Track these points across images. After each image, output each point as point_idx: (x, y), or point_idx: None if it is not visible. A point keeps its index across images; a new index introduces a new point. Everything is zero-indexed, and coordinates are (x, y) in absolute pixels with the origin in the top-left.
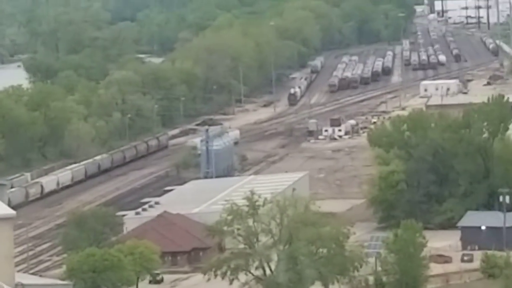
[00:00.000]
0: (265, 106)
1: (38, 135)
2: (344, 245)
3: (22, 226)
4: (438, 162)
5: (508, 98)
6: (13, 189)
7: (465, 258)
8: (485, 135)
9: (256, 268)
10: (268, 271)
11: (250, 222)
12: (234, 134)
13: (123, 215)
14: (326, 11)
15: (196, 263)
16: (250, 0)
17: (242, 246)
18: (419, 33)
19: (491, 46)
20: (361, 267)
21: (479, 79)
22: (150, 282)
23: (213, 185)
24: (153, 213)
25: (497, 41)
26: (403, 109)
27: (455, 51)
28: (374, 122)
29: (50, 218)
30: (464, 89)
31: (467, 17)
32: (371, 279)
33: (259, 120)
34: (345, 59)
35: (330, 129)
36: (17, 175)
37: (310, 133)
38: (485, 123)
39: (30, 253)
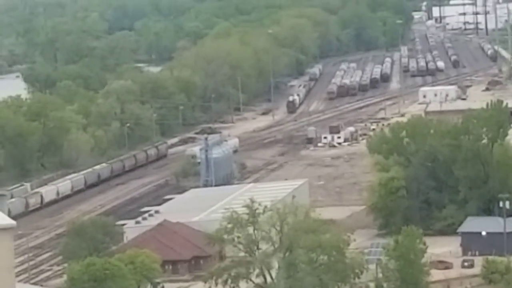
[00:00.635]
0: (263, 114)
1: (37, 145)
2: (344, 252)
3: (22, 236)
4: (437, 168)
5: (507, 103)
6: (13, 199)
7: (466, 264)
8: (484, 141)
9: (257, 276)
10: (269, 279)
11: (250, 230)
12: (233, 142)
13: (123, 224)
14: (324, 18)
15: (196, 271)
16: (248, 9)
17: (242, 254)
18: (417, 39)
19: (489, 52)
20: (362, 274)
21: (477, 85)
22: None
23: (213, 193)
24: (153, 222)
25: (496, 47)
26: (402, 115)
27: (453, 57)
28: (373, 129)
29: (50, 228)
30: (463, 95)
31: (465, 23)
32: (372, 286)
33: (258, 128)
34: (344, 66)
35: (329, 136)
36: (16, 185)
37: (309, 141)
38: (484, 129)
39: (31, 263)
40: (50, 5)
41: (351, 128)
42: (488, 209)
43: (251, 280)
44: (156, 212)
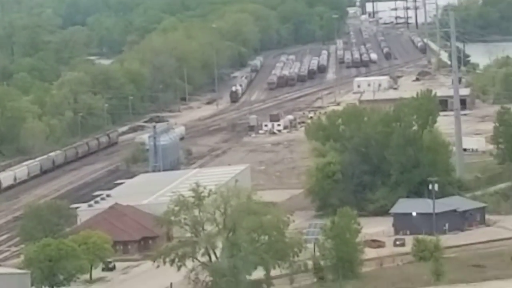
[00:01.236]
0: (208, 103)
1: None
2: (284, 232)
3: None
4: (371, 154)
5: (435, 93)
6: None
7: (397, 242)
8: (415, 127)
9: (202, 255)
10: (213, 258)
11: (196, 212)
12: (180, 130)
13: (77, 208)
14: (264, 13)
15: (146, 251)
16: (193, 5)
17: (188, 234)
18: (351, 33)
19: (419, 45)
20: (300, 252)
21: (408, 75)
22: (103, 269)
23: (161, 178)
24: (104, 205)
25: (425, 40)
26: (338, 104)
27: (385, 50)
28: (311, 117)
29: (8, 212)
30: (395, 85)
31: (396, 17)
32: (310, 263)
33: (203, 116)
34: (283, 58)
35: (269, 124)
36: None
37: (251, 128)
38: (414, 117)
39: None
40: (7, 2)
41: (290, 116)
42: (418, 192)
43: (196, 259)
44: (108, 196)
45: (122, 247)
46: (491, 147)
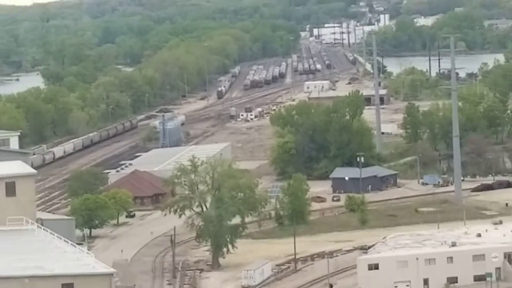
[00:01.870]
0: (201, 99)
1: (50, 120)
2: (254, 191)
3: (40, 180)
4: (316, 136)
5: (362, 92)
6: (34, 156)
7: (335, 198)
8: (347, 117)
9: (197, 206)
10: (204, 209)
11: (192, 176)
12: (181, 118)
13: (108, 172)
14: (241, 35)
15: (156, 204)
16: (191, 29)
17: (187, 192)
18: (303, 50)
19: (350, 58)
20: (266, 205)
21: (343, 80)
22: (126, 216)
23: (168, 152)
24: (127, 171)
25: (354, 55)
26: (293, 100)
27: (327, 62)
28: (274, 109)
29: (59, 175)
30: (333, 87)
31: (334, 39)
32: (272, 213)
33: (197, 109)
34: (254, 67)
35: (245, 114)
36: (37, 146)
37: (232, 117)
38: (347, 109)
39: (46, 198)
40: (59, 26)
41: (259, 109)
42: (349, 163)
43: (192, 209)
44: (130, 164)
45: (140, 201)
46: (401, 131)
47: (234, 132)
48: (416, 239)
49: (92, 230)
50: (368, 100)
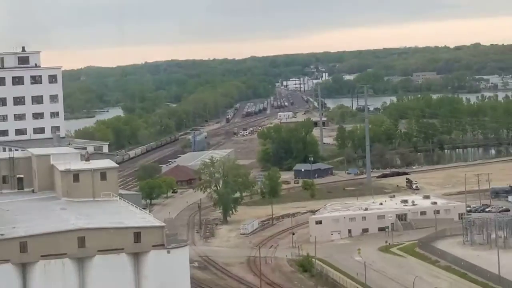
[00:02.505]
0: (216, 123)
1: (126, 135)
2: (248, 177)
3: (120, 171)
4: (284, 145)
5: (311, 118)
6: (117, 157)
7: (295, 182)
8: (303, 133)
9: (213, 186)
10: (218, 188)
11: (211, 168)
12: (204, 134)
13: (161, 166)
14: (240, 85)
15: (190, 185)
16: (210, 81)
17: (208, 178)
18: (277, 94)
19: (305, 99)
20: (254, 186)
21: (300, 112)
22: (171, 192)
23: (196, 154)
24: (172, 165)
25: (307, 97)
26: (271, 123)
27: (291, 101)
28: (259, 129)
29: (132, 168)
30: (295, 116)
31: (295, 87)
32: (258, 190)
33: (213, 128)
34: (248, 104)
35: (242, 132)
36: (118, 151)
37: (235, 134)
38: (303, 129)
39: (124, 181)
40: (132, 79)
41: (251, 128)
42: (304, 161)
43: (211, 188)
44: (174, 161)
45: (180, 183)
46: (335, 142)
47: (236, 142)
48: (343, 206)
49: (151, 200)
50: (315, 124)
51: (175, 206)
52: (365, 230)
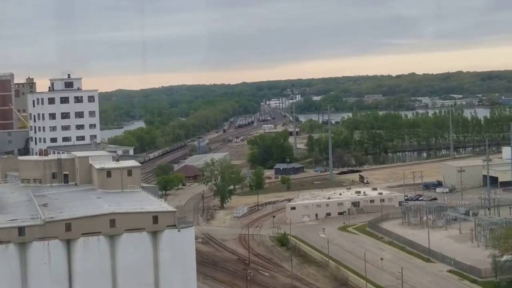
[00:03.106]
0: (216, 132)
1: (148, 141)
2: (239, 173)
3: (143, 169)
4: (267, 149)
5: (287, 129)
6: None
7: (276, 178)
8: (281, 140)
9: (213, 181)
10: (217, 182)
11: (212, 167)
12: (206, 141)
13: (173, 165)
14: (234, 104)
15: (196, 179)
16: (212, 101)
17: (209, 174)
18: (262, 110)
19: (283, 114)
20: (245, 180)
21: (280, 124)
22: (182, 185)
23: (200, 156)
24: (182, 165)
25: (285, 113)
26: (257, 133)
27: (272, 116)
28: (249, 137)
29: (152, 167)
30: (275, 127)
31: (276, 105)
32: (248, 184)
33: (214, 137)
34: (241, 118)
35: (236, 139)
36: (141, 153)
37: (230, 141)
38: (281, 137)
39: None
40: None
41: (242, 137)
42: (282, 161)
43: (211, 182)
44: (183, 161)
45: (188, 178)
46: (306, 147)
47: (231, 147)
48: (312, 195)
49: (166, 191)
50: (290, 133)
51: (184, 195)
52: (328, 214)
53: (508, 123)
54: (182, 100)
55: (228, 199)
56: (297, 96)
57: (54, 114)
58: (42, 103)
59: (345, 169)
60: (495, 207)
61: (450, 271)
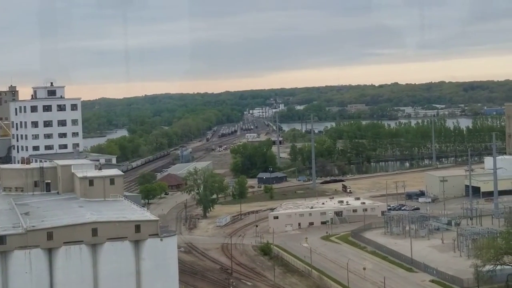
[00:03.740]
0: (199, 141)
1: (130, 150)
2: (223, 182)
3: (125, 178)
4: (250, 158)
5: (270, 138)
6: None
7: (259, 187)
8: (265, 149)
9: (196, 190)
10: (200, 191)
11: (195, 176)
12: (189, 149)
13: (156, 174)
14: (217, 113)
15: (178, 188)
16: (195, 109)
17: (192, 183)
18: (245, 120)
19: (266, 123)
20: (228, 189)
21: (263, 133)
22: (164, 194)
23: (183, 165)
24: (165, 174)
25: (268, 122)
26: (241, 142)
27: (256, 125)
28: (232, 146)
29: (133, 176)
30: (258, 136)
31: (259, 114)
32: (230, 193)
33: (197, 145)
34: (224, 127)
35: (219, 148)
36: (123, 162)
37: (213, 150)
38: (265, 146)
39: (128, 186)
40: (135, 108)
41: (225, 146)
42: (265, 170)
43: (194, 191)
44: (166, 170)
45: (170, 187)
46: (289, 156)
47: (214, 156)
48: (295, 205)
49: (149, 200)
50: (273, 142)
51: (167, 204)
52: (311, 224)
53: (490, 133)
54: (165, 108)
55: (211, 208)
56: (280, 105)
57: (37, 122)
58: (25, 111)
59: (328, 179)
60: (477, 217)
61: (432, 281)
